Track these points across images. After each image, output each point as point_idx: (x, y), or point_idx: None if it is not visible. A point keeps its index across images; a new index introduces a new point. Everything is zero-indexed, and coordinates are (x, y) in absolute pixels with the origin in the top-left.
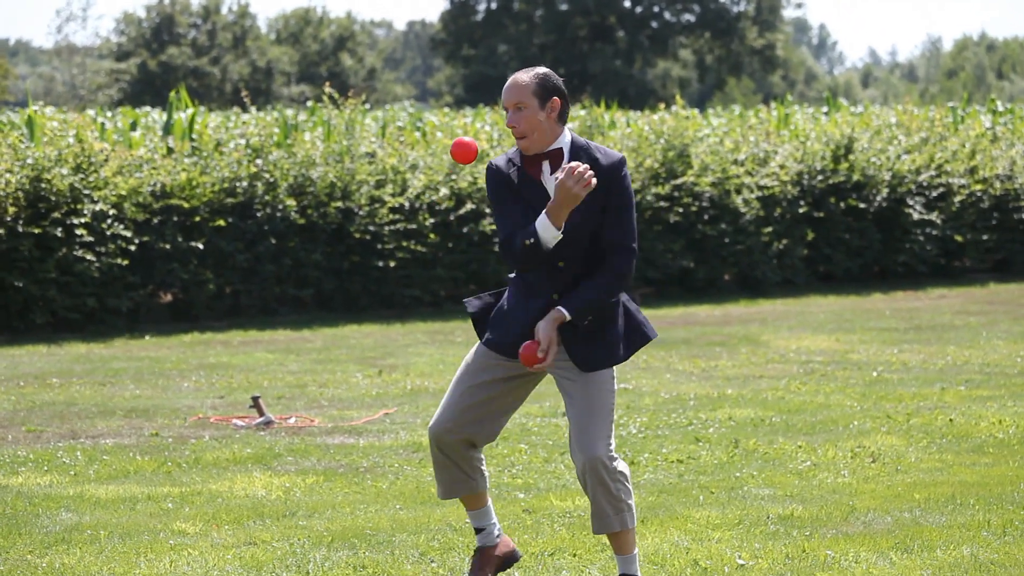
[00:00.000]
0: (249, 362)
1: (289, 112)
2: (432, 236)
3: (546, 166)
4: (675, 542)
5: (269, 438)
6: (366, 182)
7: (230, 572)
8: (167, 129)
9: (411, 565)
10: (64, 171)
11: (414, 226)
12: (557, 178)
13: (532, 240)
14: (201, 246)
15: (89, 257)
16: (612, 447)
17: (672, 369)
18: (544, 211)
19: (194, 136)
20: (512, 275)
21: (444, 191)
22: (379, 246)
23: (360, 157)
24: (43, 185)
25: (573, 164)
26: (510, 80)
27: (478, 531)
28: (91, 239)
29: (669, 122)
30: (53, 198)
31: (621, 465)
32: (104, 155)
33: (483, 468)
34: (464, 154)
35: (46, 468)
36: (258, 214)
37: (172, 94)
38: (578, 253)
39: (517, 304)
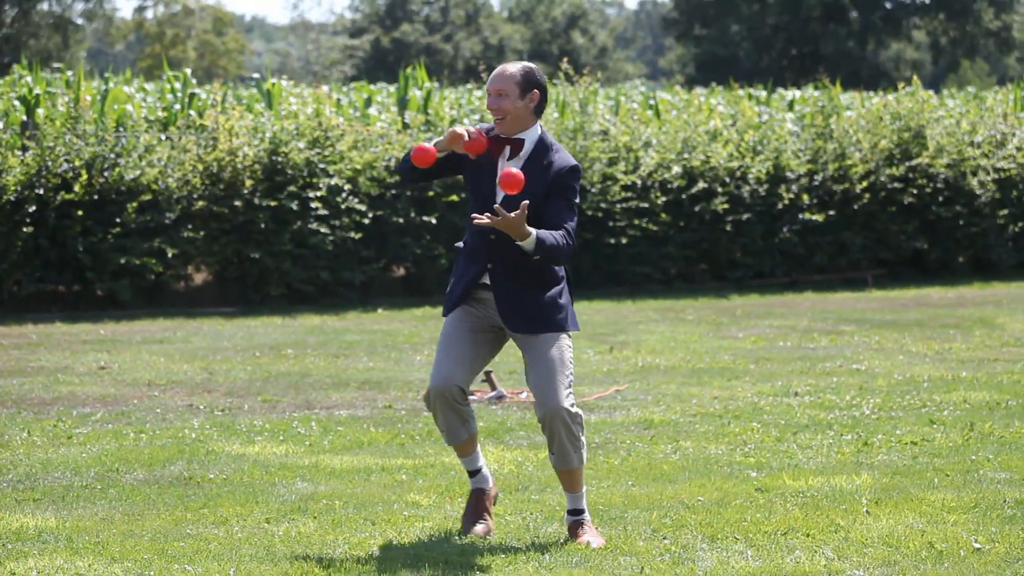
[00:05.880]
0: None
1: None
2: (663, 215)
3: (507, 150)
4: (910, 524)
5: (501, 412)
6: (599, 159)
7: (464, 544)
8: (403, 105)
9: (643, 542)
10: (301, 145)
11: (646, 204)
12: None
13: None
14: (434, 221)
15: (324, 230)
16: (572, 396)
17: (905, 351)
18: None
19: (429, 112)
20: (460, 244)
21: (676, 169)
22: (611, 223)
23: (593, 135)
24: (280, 159)
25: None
26: (498, 68)
27: (472, 474)
28: (326, 212)
29: (905, 103)
30: (290, 171)
31: (578, 412)
32: (340, 130)
33: (473, 414)
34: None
35: (282, 438)
36: None
37: (408, 70)
38: None
39: (462, 272)
